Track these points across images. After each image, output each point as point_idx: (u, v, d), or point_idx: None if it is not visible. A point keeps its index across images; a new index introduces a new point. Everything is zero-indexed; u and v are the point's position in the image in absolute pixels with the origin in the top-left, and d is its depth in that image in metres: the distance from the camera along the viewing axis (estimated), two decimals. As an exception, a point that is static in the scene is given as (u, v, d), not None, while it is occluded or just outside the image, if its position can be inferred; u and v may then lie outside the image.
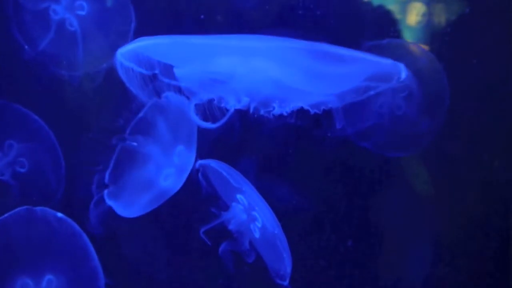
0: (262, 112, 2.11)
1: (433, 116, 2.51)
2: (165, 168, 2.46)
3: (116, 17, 2.57)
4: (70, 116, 2.72)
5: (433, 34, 2.61)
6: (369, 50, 2.47)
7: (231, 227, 2.40)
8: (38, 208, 2.41)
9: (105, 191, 2.47)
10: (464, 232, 2.66)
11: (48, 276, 2.38)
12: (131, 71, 2.14)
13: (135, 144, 2.44)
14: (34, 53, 2.56)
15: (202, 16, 2.62)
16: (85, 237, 2.43)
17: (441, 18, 2.59)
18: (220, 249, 2.43)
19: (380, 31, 2.58)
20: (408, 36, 2.56)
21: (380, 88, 2.15)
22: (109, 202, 2.47)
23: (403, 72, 2.11)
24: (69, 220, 2.42)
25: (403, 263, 2.68)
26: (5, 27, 2.57)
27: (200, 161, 2.45)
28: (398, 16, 2.58)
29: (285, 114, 2.12)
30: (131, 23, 2.56)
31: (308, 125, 2.17)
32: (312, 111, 2.12)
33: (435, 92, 2.50)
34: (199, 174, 2.46)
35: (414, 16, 2.56)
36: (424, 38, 2.60)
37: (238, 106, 2.10)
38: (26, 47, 2.56)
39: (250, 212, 2.38)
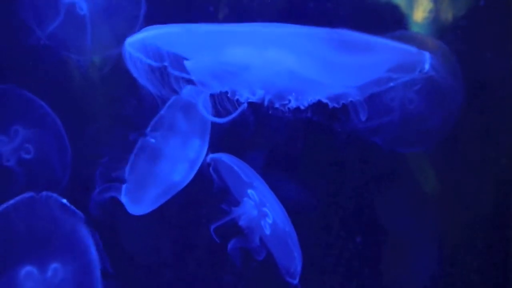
0: (277, 105, 2.01)
1: (446, 111, 2.47)
2: (180, 163, 2.45)
3: (126, 2, 2.56)
4: (77, 102, 2.72)
5: (439, 30, 2.60)
6: None
7: (241, 223, 2.37)
8: (42, 194, 2.40)
9: (123, 188, 2.46)
10: (471, 231, 2.67)
11: (54, 265, 2.39)
12: (139, 62, 2.08)
13: (154, 140, 2.43)
14: (42, 36, 2.55)
15: (211, 8, 2.61)
16: (85, 226, 2.44)
17: (448, 14, 2.58)
18: (229, 245, 2.40)
19: (387, 27, 2.56)
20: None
21: (402, 79, 2.04)
22: (125, 199, 2.47)
23: (427, 63, 1.99)
24: (72, 207, 2.41)
25: (411, 260, 2.69)
26: (13, 9, 2.56)
27: (211, 155, 2.43)
28: (405, 12, 2.57)
29: (301, 107, 2.02)
30: (141, 8, 2.55)
31: (319, 119, 2.09)
32: (330, 105, 2.03)
33: (449, 86, 2.44)
34: (211, 168, 2.43)
35: (421, 12, 2.55)
36: (431, 34, 2.59)
37: (252, 99, 2.01)
38: (35, 29, 2.54)
39: (261, 208, 2.35)
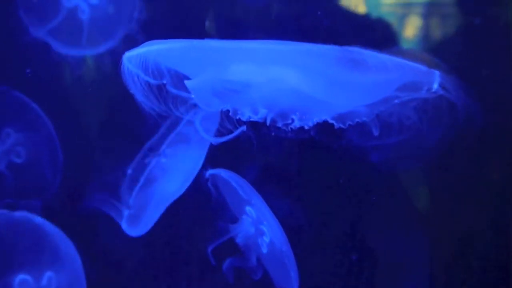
0: (279, 124, 1.95)
1: (443, 129, 2.39)
2: (176, 174, 2.44)
3: (126, 8, 2.56)
4: (72, 105, 2.71)
5: (429, 46, 2.63)
6: None
7: (238, 240, 2.35)
8: (17, 213, 2.43)
9: (125, 214, 2.44)
10: (466, 248, 2.68)
11: (48, 273, 2.41)
12: (137, 78, 2.04)
13: (165, 160, 2.42)
14: (38, 36, 2.54)
15: (206, 23, 2.61)
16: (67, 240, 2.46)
17: (438, 31, 2.61)
18: (225, 264, 2.39)
19: (377, 44, 2.54)
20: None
21: (409, 97, 2.01)
22: (125, 225, 2.46)
23: (436, 82, 1.96)
24: (48, 224, 2.44)
25: (407, 278, 2.69)
26: (9, 8, 2.55)
27: (210, 170, 2.40)
28: (395, 29, 2.60)
29: (305, 127, 1.97)
30: (139, 13, 2.55)
31: (321, 139, 2.10)
32: (336, 125, 1.99)
33: (446, 104, 2.38)
34: (209, 183, 2.40)
35: (411, 29, 2.59)
36: (421, 50, 2.61)
37: (254, 118, 1.96)
38: (31, 29, 2.53)
39: (258, 225, 2.33)
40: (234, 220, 2.37)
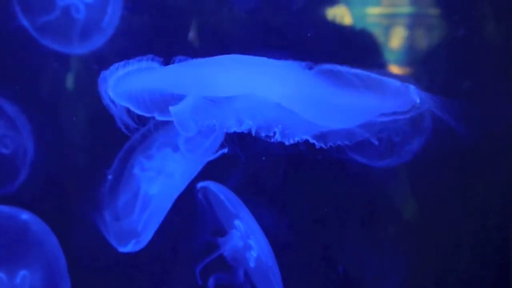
0: (262, 135, 1.97)
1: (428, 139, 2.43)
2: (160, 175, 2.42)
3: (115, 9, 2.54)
4: (57, 99, 2.67)
5: (415, 57, 2.64)
6: None
7: (226, 253, 2.35)
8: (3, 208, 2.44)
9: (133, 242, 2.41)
10: (455, 258, 2.69)
11: (23, 272, 2.40)
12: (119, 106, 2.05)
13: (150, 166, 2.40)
14: (30, 30, 2.51)
15: (190, 35, 2.58)
16: (53, 237, 2.46)
17: (423, 42, 2.63)
18: (212, 279, 2.40)
19: (362, 55, 2.60)
20: (391, 60, 2.60)
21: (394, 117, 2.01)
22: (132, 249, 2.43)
23: (416, 96, 1.97)
24: (37, 219, 2.44)
25: None
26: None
27: (201, 183, 2.39)
28: (380, 39, 2.60)
29: (286, 143, 1.98)
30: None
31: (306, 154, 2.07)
32: (317, 145, 2.00)
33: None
34: (200, 195, 2.40)
35: (396, 39, 2.60)
36: (407, 61, 2.63)
37: (239, 129, 1.98)
38: (23, 24, 2.50)
39: (246, 240, 2.34)
40: (223, 233, 2.37)
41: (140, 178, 2.39)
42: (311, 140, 1.99)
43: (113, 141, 2.47)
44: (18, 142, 2.56)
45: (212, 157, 2.17)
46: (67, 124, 2.66)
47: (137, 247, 2.42)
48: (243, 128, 1.99)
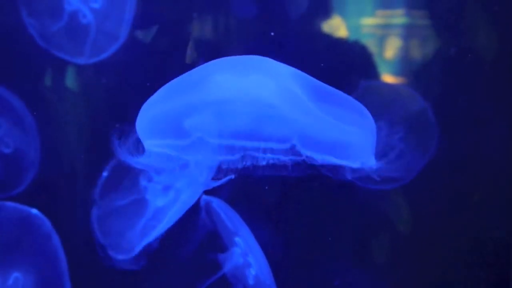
0: (261, 152, 1.91)
1: (423, 151, 2.48)
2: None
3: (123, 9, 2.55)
4: (60, 107, 2.69)
5: (409, 68, 2.66)
6: (361, 91, 2.47)
7: (226, 270, 2.37)
8: (9, 204, 2.44)
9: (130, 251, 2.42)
10: (451, 270, 2.71)
11: (16, 274, 2.40)
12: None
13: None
14: (40, 39, 2.52)
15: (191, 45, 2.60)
16: (56, 237, 2.46)
17: (417, 52, 2.64)
18: None
19: (357, 65, 2.63)
20: (385, 70, 2.62)
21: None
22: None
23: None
24: (43, 218, 2.45)
25: None
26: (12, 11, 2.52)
27: (204, 197, 2.39)
28: (375, 50, 2.62)
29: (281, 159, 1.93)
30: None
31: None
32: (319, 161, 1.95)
33: (425, 133, 2.48)
34: (203, 211, 2.41)
35: (391, 50, 2.62)
36: (401, 71, 2.65)
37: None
38: (32, 32, 2.52)
39: (245, 257, 2.35)
40: (224, 249, 2.38)
41: (146, 188, 2.39)
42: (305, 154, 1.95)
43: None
44: (24, 142, 2.57)
45: (218, 183, 2.12)
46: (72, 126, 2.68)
47: (130, 255, 2.43)
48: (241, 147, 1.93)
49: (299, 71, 2.01)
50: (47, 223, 2.46)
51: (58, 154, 2.66)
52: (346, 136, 1.97)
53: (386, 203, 2.65)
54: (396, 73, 2.65)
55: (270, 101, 1.89)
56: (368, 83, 2.49)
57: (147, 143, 1.96)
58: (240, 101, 1.89)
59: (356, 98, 2.15)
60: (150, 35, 2.62)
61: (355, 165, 1.97)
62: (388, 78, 2.61)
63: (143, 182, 2.39)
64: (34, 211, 2.45)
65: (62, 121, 2.68)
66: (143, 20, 2.56)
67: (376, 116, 2.19)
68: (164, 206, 2.37)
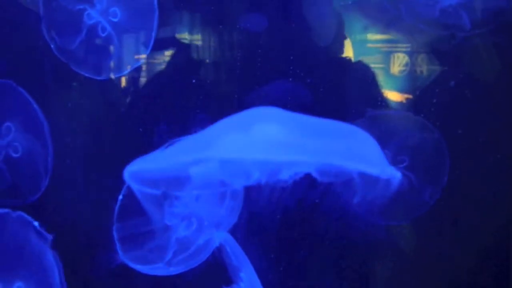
0: (272, 181, 2.01)
1: (433, 184, 2.46)
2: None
3: (143, 24, 2.57)
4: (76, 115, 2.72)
5: (416, 83, 2.65)
6: (370, 120, 2.46)
7: None
8: (16, 213, 2.48)
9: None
10: None
11: (18, 284, 2.45)
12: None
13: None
14: (60, 52, 2.56)
15: (193, 81, 2.63)
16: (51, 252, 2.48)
17: (424, 68, 2.62)
18: None
19: (363, 81, 2.62)
20: (392, 86, 2.62)
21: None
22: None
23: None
24: (43, 231, 2.48)
25: None
26: (33, 21, 2.55)
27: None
28: (381, 66, 2.62)
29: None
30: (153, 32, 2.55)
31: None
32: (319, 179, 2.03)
33: (435, 162, 2.46)
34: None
35: (397, 66, 2.62)
36: (408, 87, 2.63)
37: (248, 183, 2.02)
38: (52, 45, 2.55)
39: None
40: (229, 282, 2.39)
41: (166, 212, 2.40)
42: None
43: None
44: (36, 149, 2.59)
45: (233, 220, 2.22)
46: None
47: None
48: (253, 181, 2.04)
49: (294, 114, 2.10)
50: (46, 236, 2.50)
51: (71, 164, 2.70)
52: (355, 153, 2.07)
53: (387, 235, 2.64)
54: (402, 89, 2.64)
55: (277, 141, 2.00)
56: (374, 112, 2.49)
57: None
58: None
59: (361, 126, 2.21)
60: (169, 53, 2.66)
61: (375, 171, 2.03)
62: (394, 94, 2.61)
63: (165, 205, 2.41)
64: (36, 223, 2.48)
65: (79, 134, 2.72)
66: (162, 39, 2.59)
67: (381, 144, 2.24)
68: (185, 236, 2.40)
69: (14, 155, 2.57)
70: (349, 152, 2.08)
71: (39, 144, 2.58)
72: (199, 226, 2.36)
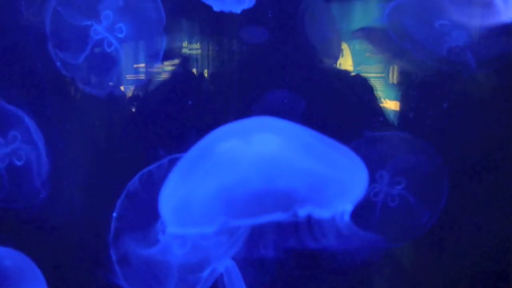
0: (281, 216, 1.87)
1: (431, 207, 2.47)
2: None
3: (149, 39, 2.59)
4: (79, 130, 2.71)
5: (413, 92, 2.64)
6: (368, 141, 2.46)
7: None
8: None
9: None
10: None
11: None
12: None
13: None
14: (65, 67, 2.55)
15: (190, 102, 2.62)
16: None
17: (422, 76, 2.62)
18: None
19: (361, 92, 2.63)
20: (390, 96, 2.62)
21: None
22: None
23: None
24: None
25: None
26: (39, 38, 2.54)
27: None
28: (379, 75, 2.62)
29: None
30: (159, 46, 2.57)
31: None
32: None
33: (433, 185, 2.46)
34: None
35: (395, 75, 2.62)
36: (406, 96, 2.63)
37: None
38: (58, 63, 2.54)
39: None
40: None
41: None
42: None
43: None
44: (34, 156, 2.59)
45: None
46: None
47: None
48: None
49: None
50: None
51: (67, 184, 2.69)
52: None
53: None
54: (400, 98, 2.64)
55: (276, 155, 1.92)
56: (372, 134, 2.48)
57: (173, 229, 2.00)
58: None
59: (359, 147, 2.21)
60: (173, 67, 2.66)
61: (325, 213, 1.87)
62: (392, 104, 2.62)
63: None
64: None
65: (77, 147, 2.71)
66: (167, 52, 2.59)
67: (378, 165, 2.24)
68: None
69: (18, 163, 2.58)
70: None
71: (37, 155, 2.59)
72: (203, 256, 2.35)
